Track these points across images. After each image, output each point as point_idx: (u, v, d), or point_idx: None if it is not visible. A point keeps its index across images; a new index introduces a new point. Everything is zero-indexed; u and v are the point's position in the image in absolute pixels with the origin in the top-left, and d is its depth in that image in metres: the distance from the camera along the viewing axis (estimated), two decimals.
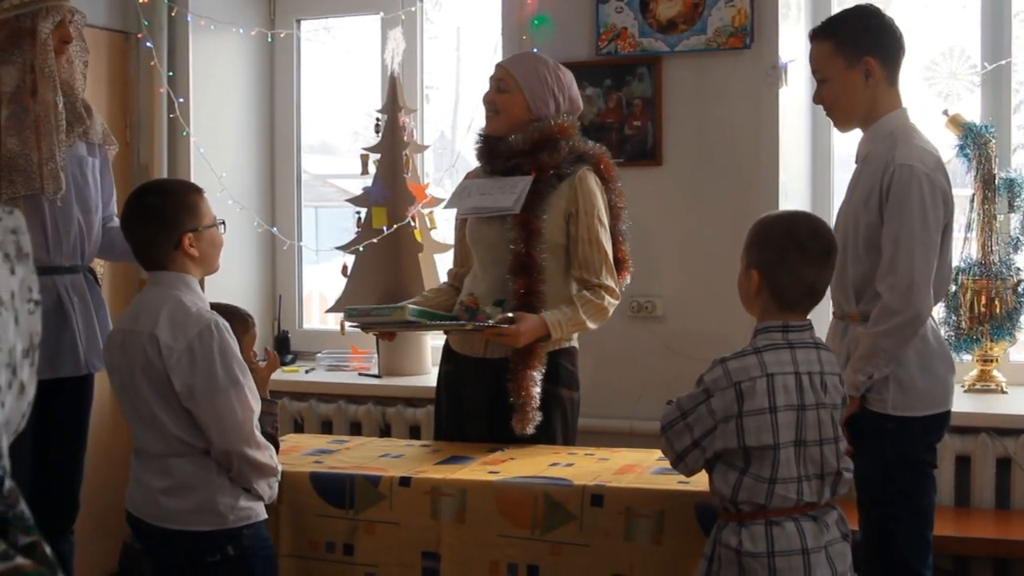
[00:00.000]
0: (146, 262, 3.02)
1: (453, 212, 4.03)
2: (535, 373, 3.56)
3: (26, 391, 1.16)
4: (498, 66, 3.82)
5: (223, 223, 3.12)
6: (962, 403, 4.20)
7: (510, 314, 3.52)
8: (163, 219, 2.96)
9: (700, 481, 2.91)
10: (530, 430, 3.55)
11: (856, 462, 2.85)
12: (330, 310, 5.25)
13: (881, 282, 3.10)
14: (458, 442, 3.70)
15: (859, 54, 3.23)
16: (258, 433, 2.95)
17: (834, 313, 3.33)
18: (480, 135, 3.83)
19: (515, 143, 3.70)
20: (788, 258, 2.75)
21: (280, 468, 3.05)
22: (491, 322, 3.49)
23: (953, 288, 4.30)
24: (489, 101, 3.76)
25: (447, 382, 3.83)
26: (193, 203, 3.01)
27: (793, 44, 4.47)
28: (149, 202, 3.01)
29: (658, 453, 3.13)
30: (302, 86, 5.78)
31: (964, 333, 4.29)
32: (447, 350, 3.85)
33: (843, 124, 3.40)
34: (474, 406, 3.72)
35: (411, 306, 3.48)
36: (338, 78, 6.07)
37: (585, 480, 3.15)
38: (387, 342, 4.85)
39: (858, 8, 3.42)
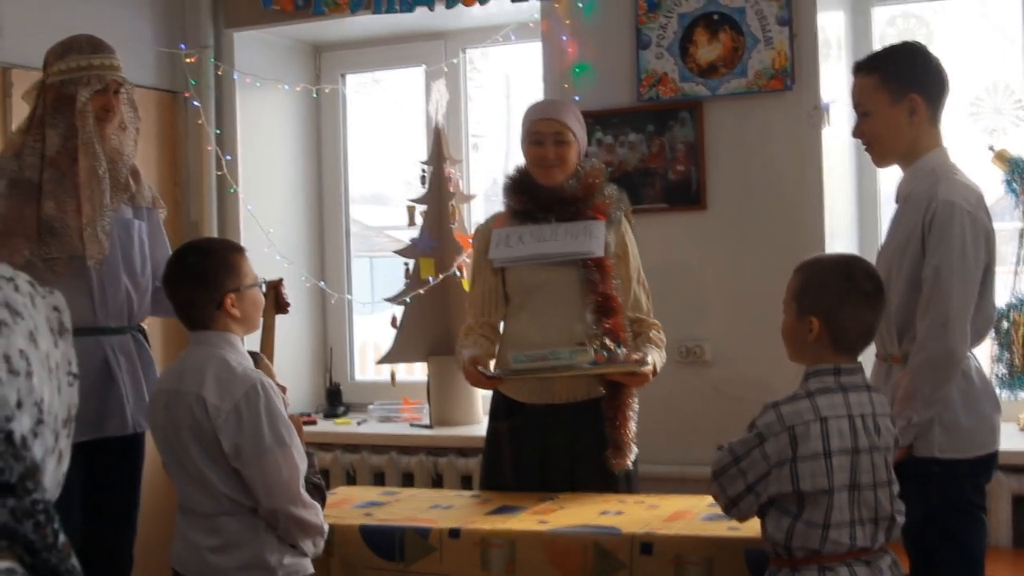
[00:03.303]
0: (188, 321, 3.04)
1: None
2: (632, 412, 3.64)
3: (63, 460, 1.20)
4: (551, 120, 3.77)
5: (264, 283, 3.14)
6: (1018, 441, 4.15)
7: (642, 354, 3.60)
8: (204, 279, 2.98)
9: (749, 527, 2.89)
10: (629, 465, 3.65)
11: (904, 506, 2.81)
12: (381, 361, 5.27)
13: (920, 319, 3.08)
14: (508, 492, 3.69)
15: (904, 90, 3.19)
16: (304, 492, 2.94)
17: (877, 354, 3.29)
18: (521, 183, 3.82)
19: (571, 189, 3.74)
20: (850, 301, 2.75)
21: (327, 527, 3.05)
22: (652, 361, 3.60)
23: (1005, 325, 4.25)
24: (555, 156, 3.74)
25: (512, 436, 3.78)
26: (235, 263, 3.03)
27: (834, 84, 4.46)
28: (190, 262, 3.03)
29: (708, 499, 3.12)
30: (350, 139, 5.85)
31: (1018, 370, 4.23)
32: (507, 402, 3.80)
33: (882, 160, 3.38)
34: (558, 453, 3.70)
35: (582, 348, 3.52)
36: (389, 129, 6.13)
37: (634, 528, 3.13)
38: (437, 394, 4.91)
39: (905, 45, 3.38)
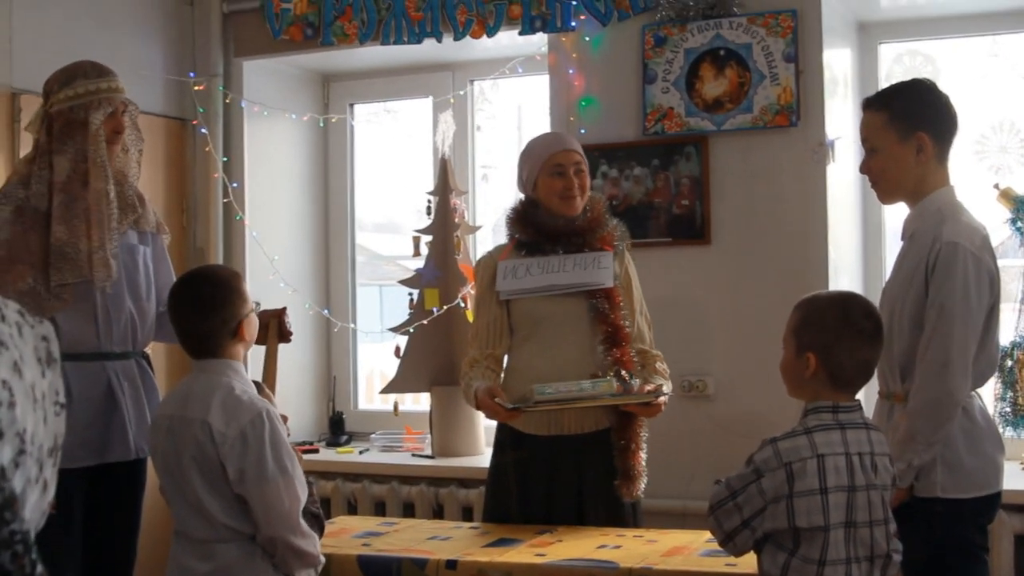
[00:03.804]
0: (198, 350, 3.04)
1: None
2: (643, 441, 3.65)
3: (48, 489, 1.20)
4: (571, 151, 3.79)
5: (258, 304, 3.16)
6: (1021, 481, 4.14)
7: (656, 385, 3.62)
8: (223, 310, 3.00)
9: (748, 565, 2.88)
10: (639, 494, 3.67)
11: (903, 546, 2.80)
12: (384, 390, 5.27)
13: (920, 359, 3.07)
14: (508, 524, 3.68)
15: (912, 128, 3.20)
16: (303, 522, 2.95)
17: (879, 392, 3.29)
18: (526, 215, 3.82)
19: (578, 221, 3.76)
20: (846, 339, 2.74)
21: (323, 557, 3.04)
22: (665, 393, 3.63)
23: (1009, 363, 4.24)
24: (579, 187, 3.75)
25: (519, 467, 3.74)
26: (242, 289, 3.06)
27: (840, 121, 4.47)
28: (206, 294, 3.02)
29: (707, 534, 3.10)
30: (361, 168, 5.88)
31: (1022, 409, 4.22)
32: (513, 434, 3.76)
33: (887, 196, 3.38)
34: (566, 484, 3.70)
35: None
36: (401, 158, 6.15)
37: (631, 563, 3.11)
38: (440, 425, 4.92)
39: (914, 82, 3.39)
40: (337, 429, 5.58)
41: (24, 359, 1.17)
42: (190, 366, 3.11)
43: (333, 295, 5.80)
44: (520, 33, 4.82)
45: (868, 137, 3.30)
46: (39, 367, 1.20)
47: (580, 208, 3.77)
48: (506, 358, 3.83)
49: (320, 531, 3.07)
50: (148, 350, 3.89)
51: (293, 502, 2.91)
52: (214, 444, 2.87)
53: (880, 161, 3.27)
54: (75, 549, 3.57)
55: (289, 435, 3.05)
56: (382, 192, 6.16)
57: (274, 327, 3.55)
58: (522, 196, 3.87)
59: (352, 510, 5.09)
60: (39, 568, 1.08)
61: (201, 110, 5.26)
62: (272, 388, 3.35)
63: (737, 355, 4.51)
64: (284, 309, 3.64)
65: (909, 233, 3.27)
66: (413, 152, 5.98)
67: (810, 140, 4.40)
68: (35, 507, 1.18)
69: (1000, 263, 3.22)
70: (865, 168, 3.35)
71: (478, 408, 3.71)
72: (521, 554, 3.28)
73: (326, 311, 5.61)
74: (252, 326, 3.08)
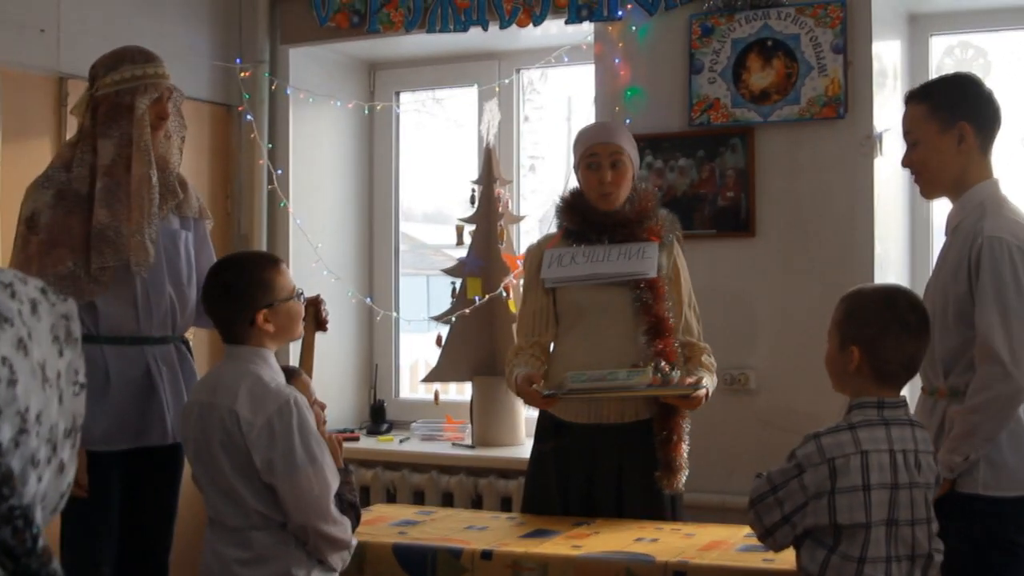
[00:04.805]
0: (225, 336, 3.08)
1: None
2: (685, 433, 3.64)
3: (65, 471, 1.19)
4: (608, 143, 3.76)
5: (301, 294, 3.15)
6: None
7: (697, 377, 3.60)
8: (238, 297, 3.01)
9: (785, 561, 2.86)
10: (680, 487, 3.65)
11: (943, 544, 2.76)
12: (425, 379, 5.26)
13: (979, 356, 3.01)
14: (545, 515, 3.67)
15: (954, 119, 3.16)
16: (334, 508, 2.94)
17: (923, 388, 3.24)
18: (575, 205, 3.81)
19: (625, 212, 3.75)
20: (890, 332, 2.72)
21: (354, 542, 3.04)
22: (706, 385, 3.59)
23: None
24: (612, 180, 3.72)
25: (559, 455, 3.74)
26: (268, 279, 3.04)
27: (889, 113, 4.41)
28: (224, 280, 3.07)
29: (746, 529, 3.08)
30: (408, 157, 5.88)
31: None
32: (554, 422, 3.75)
33: (929, 190, 3.34)
34: (606, 474, 3.68)
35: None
36: (449, 147, 6.14)
37: (668, 556, 3.09)
38: (480, 415, 4.90)
39: (958, 75, 3.37)
40: (378, 417, 5.58)
41: (33, 336, 1.15)
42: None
43: (376, 284, 5.80)
44: (566, 22, 4.79)
45: (910, 129, 3.29)
46: (55, 346, 1.18)
47: (618, 202, 3.75)
48: (551, 346, 3.83)
49: (356, 520, 3.07)
50: (189, 336, 3.90)
51: (323, 489, 2.91)
52: (241, 432, 2.87)
53: (921, 153, 3.25)
54: (111, 532, 3.59)
55: (326, 423, 3.05)
56: (428, 181, 6.14)
57: (310, 315, 3.55)
58: (576, 184, 3.87)
59: (391, 499, 5.09)
60: (41, 542, 1.08)
61: (247, 96, 5.27)
62: (310, 375, 3.36)
63: (780, 349, 4.47)
64: (318, 297, 3.64)
65: (953, 227, 3.24)
66: (460, 141, 5.96)
67: (858, 133, 4.35)
68: (51, 489, 1.17)
69: None
70: (907, 161, 3.32)
71: (518, 395, 3.72)
72: (557, 546, 3.26)
73: (368, 299, 5.61)
74: (279, 315, 3.05)
